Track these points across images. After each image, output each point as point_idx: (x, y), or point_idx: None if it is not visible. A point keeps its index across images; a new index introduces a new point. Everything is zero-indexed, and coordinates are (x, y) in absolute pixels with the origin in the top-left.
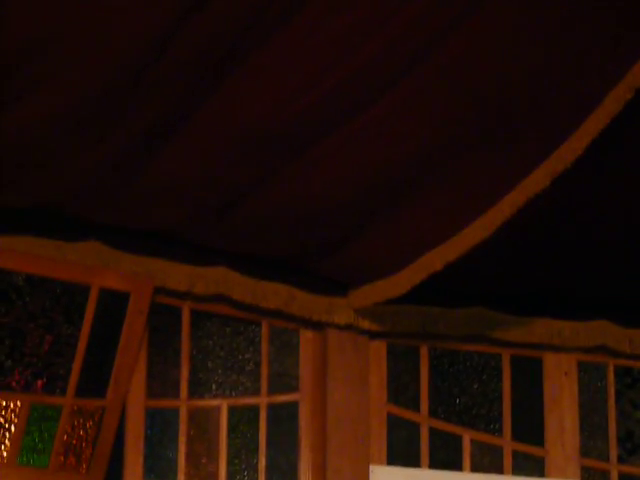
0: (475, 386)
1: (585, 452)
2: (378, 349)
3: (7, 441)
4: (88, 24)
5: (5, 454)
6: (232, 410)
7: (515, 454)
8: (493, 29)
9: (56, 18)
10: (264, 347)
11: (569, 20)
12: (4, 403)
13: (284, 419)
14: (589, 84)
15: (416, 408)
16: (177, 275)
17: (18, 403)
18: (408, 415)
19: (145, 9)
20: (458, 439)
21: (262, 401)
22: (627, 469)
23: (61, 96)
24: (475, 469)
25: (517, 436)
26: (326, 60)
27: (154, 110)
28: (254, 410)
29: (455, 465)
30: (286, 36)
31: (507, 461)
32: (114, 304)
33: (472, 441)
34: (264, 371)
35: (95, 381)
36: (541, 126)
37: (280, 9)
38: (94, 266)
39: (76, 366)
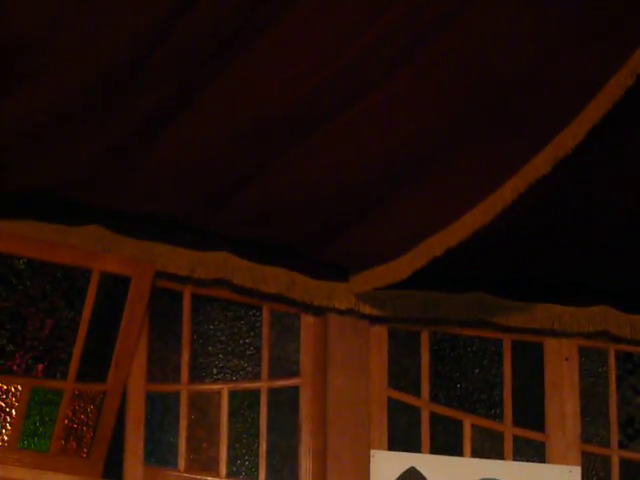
0: (476, 371)
1: (586, 437)
2: (379, 334)
3: (8, 425)
4: (87, 11)
5: (6, 438)
6: (233, 394)
7: (516, 439)
8: (492, 16)
9: (54, 7)
10: (265, 332)
11: (570, 6)
12: (5, 387)
13: (285, 404)
14: (590, 70)
15: (417, 393)
16: (178, 259)
17: (19, 387)
18: (409, 400)
19: None
20: (459, 424)
21: (263, 386)
22: (628, 454)
23: (62, 84)
24: (476, 454)
25: (518, 421)
26: (325, 48)
27: (155, 96)
28: (255, 395)
29: (456, 450)
30: (284, 24)
31: (508, 446)
32: (115, 288)
33: (473, 426)
34: (265, 356)
35: (96, 365)
36: (542, 112)
37: None
38: (95, 250)
39: (77, 350)
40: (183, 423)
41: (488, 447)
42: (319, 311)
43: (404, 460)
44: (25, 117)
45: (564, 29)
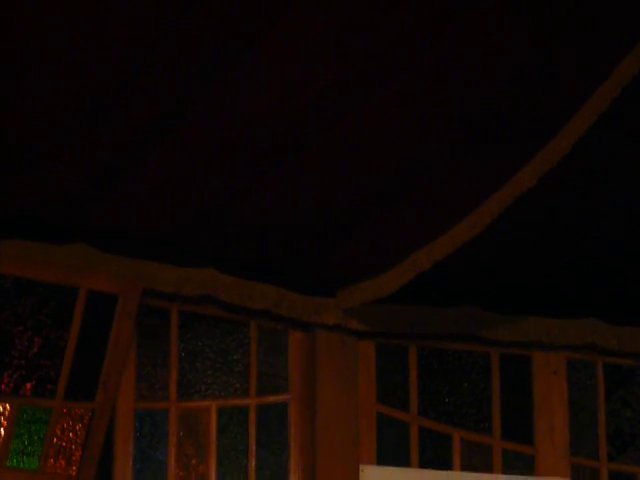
0: (464, 385)
1: (575, 450)
2: (367, 349)
3: None
4: (74, 35)
5: None
6: (221, 411)
7: (505, 453)
8: (477, 33)
9: (36, 34)
10: (253, 348)
11: (555, 20)
12: None
13: (273, 420)
14: (576, 83)
15: (405, 408)
16: (165, 277)
17: (7, 406)
18: (397, 415)
19: (131, 17)
20: (448, 438)
21: (251, 402)
22: (617, 467)
23: (47, 104)
24: (465, 468)
25: (507, 435)
26: (306, 70)
27: (141, 117)
28: (243, 411)
29: (445, 464)
30: (270, 45)
31: (497, 460)
32: (102, 306)
33: (462, 440)
34: (253, 372)
35: (84, 384)
36: (527, 126)
37: (264, 16)
38: (82, 269)
39: (65, 369)
40: (172, 440)
41: (477, 461)
42: (307, 327)
43: (393, 475)
44: (10, 139)
45: (549, 42)
